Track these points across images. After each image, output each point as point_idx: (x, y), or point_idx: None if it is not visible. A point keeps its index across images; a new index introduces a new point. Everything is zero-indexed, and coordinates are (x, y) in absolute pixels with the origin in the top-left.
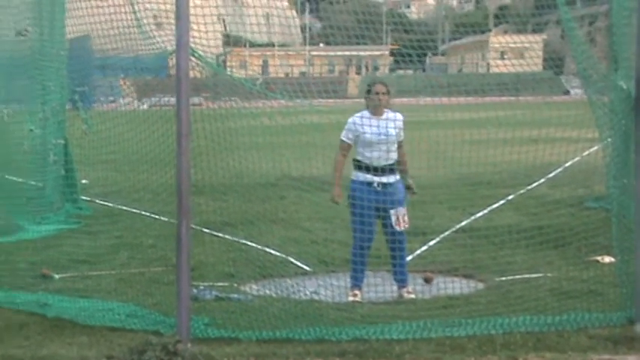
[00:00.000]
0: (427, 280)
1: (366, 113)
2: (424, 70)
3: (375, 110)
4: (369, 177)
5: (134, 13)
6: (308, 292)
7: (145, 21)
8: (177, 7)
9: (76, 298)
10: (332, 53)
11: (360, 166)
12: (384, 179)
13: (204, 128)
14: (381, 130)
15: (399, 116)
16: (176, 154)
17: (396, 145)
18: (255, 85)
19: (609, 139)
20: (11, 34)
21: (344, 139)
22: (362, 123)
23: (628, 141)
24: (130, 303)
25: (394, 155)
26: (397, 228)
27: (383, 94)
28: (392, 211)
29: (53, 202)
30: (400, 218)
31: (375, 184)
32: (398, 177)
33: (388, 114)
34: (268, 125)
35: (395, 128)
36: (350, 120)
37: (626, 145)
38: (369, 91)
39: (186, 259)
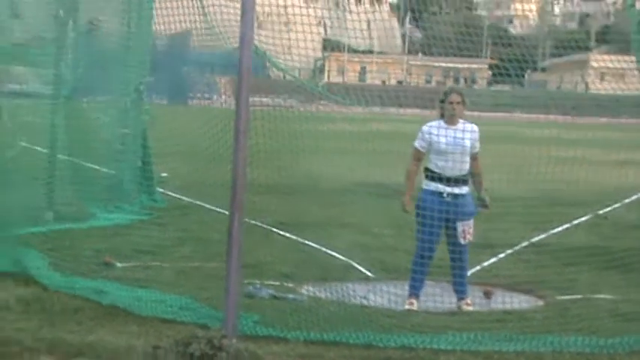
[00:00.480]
0: (487, 295)
1: (440, 122)
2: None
3: (450, 120)
4: (440, 187)
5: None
6: (358, 297)
7: None
8: (243, 2)
9: (134, 288)
10: (430, 64)
11: (431, 175)
12: (455, 190)
13: (283, 129)
14: (456, 140)
15: (474, 127)
16: (233, 151)
17: (468, 157)
18: (318, 87)
19: None
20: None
21: (417, 146)
22: (437, 132)
23: None
24: (185, 296)
25: (466, 166)
26: (461, 240)
27: (457, 103)
28: (459, 223)
29: (129, 193)
30: (466, 231)
31: (445, 195)
32: (468, 189)
33: (464, 125)
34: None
35: (470, 139)
36: (424, 128)
37: None
38: (443, 101)
39: (237, 254)
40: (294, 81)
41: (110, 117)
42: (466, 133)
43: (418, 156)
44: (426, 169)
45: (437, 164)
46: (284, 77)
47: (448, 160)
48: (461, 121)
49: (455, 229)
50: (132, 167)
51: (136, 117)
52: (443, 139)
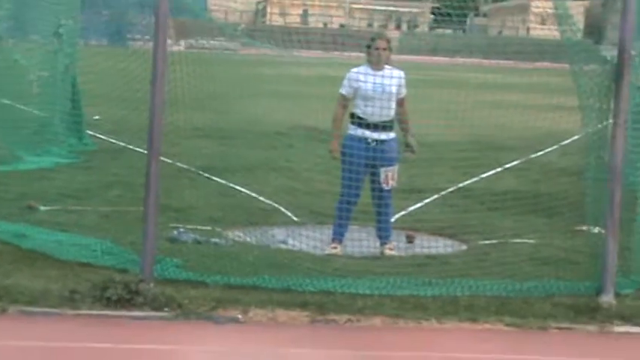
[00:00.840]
0: (409, 239)
1: (367, 68)
2: (464, 31)
3: (376, 65)
4: (366, 133)
5: None
6: (278, 242)
7: None
8: None
9: (55, 232)
10: (372, 7)
11: (358, 122)
12: (381, 136)
13: (209, 71)
14: (382, 85)
15: (401, 73)
16: (150, 94)
17: (394, 102)
18: (237, 30)
19: (588, 109)
20: None
21: (343, 93)
22: (364, 79)
23: (606, 112)
24: (106, 240)
25: (392, 112)
26: (384, 186)
27: (384, 49)
28: (382, 169)
29: (58, 136)
30: (389, 176)
31: (370, 141)
32: (393, 135)
33: (391, 70)
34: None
35: (396, 85)
36: (350, 74)
37: (604, 116)
38: (369, 46)
39: (154, 198)
40: (212, 24)
41: (30, 59)
42: (393, 79)
43: (344, 102)
44: (352, 115)
45: (363, 110)
46: (225, 19)
47: (375, 106)
48: (387, 67)
49: (378, 174)
50: (61, 110)
51: (60, 59)
52: (370, 85)
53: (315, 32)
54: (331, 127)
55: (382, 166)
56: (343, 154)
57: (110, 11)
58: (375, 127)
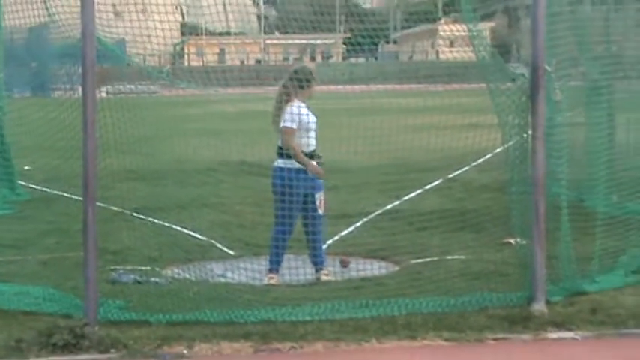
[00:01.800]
0: (343, 264)
1: (300, 103)
2: (376, 59)
3: (307, 99)
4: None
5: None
6: (216, 276)
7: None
8: None
9: None
10: (286, 42)
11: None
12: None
13: (138, 115)
14: (314, 116)
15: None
16: (82, 142)
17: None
18: (163, 72)
19: (507, 126)
20: None
21: (293, 126)
22: (306, 112)
23: (525, 127)
24: (48, 286)
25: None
26: (320, 211)
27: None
28: (317, 195)
29: None
30: (322, 201)
31: (302, 170)
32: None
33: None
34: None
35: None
36: (292, 109)
37: (523, 131)
38: (308, 80)
39: (93, 243)
40: (138, 68)
41: None
42: (311, 108)
43: (295, 134)
44: (280, 148)
45: (306, 141)
46: (144, 63)
47: (311, 137)
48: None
49: (313, 202)
50: None
51: None
52: (312, 118)
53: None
54: (300, 158)
55: (316, 192)
56: (282, 186)
57: (35, 63)
58: (314, 156)
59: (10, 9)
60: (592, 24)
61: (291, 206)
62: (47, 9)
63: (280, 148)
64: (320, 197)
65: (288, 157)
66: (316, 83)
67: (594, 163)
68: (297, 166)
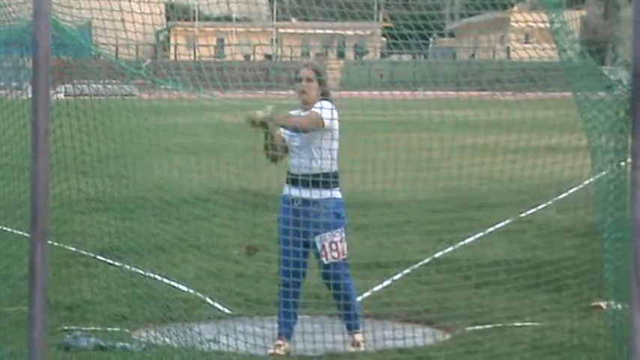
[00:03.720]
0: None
1: (299, 110)
2: (426, 57)
3: (303, 102)
4: (292, 191)
5: None
6: (206, 342)
7: None
8: None
9: None
10: (306, 32)
11: (286, 177)
12: (304, 194)
13: (106, 124)
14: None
15: (325, 104)
16: (31, 160)
17: (322, 149)
18: (141, 69)
19: (599, 150)
20: None
21: (324, 116)
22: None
23: (623, 152)
24: None
25: (320, 163)
26: (324, 260)
27: (309, 80)
28: (317, 238)
29: None
30: (327, 247)
31: (293, 201)
32: (328, 193)
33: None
34: (210, 123)
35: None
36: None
37: (620, 157)
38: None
39: (41, 296)
40: (108, 61)
41: None
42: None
43: (319, 125)
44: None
45: (289, 162)
46: (116, 56)
47: (294, 156)
48: (317, 105)
49: (315, 245)
50: None
51: None
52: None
53: (233, 67)
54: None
55: (316, 234)
56: (284, 221)
57: None
58: (298, 182)
59: None
60: None
61: (290, 249)
62: None
63: (290, 173)
64: (323, 241)
65: (285, 180)
66: (310, 82)
67: None
68: (291, 193)
